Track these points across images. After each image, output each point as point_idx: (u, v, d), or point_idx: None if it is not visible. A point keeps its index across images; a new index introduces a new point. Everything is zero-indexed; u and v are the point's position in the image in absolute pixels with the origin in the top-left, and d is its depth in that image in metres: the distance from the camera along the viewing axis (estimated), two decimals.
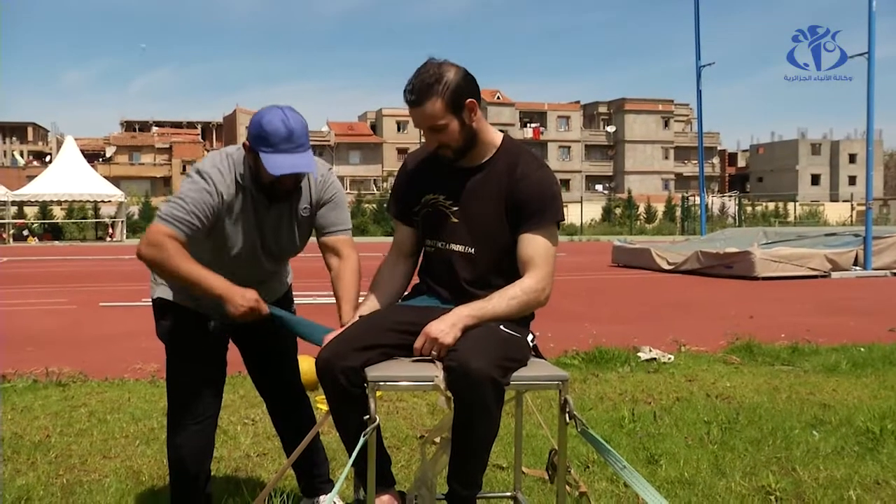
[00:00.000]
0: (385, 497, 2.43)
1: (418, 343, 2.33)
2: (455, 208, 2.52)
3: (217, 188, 2.58)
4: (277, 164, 2.48)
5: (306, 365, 3.75)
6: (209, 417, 2.85)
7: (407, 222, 2.67)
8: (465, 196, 2.51)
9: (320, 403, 4.15)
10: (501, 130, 2.64)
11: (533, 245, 2.45)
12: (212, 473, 3.39)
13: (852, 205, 58.06)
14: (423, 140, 2.57)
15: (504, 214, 2.48)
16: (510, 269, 2.49)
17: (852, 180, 75.65)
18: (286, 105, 2.55)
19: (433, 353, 2.30)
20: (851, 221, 50.62)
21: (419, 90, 2.37)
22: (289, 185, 2.63)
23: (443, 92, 2.36)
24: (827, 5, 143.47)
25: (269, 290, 2.86)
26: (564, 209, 2.58)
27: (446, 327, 2.30)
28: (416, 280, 2.71)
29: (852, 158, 77.64)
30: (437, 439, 2.56)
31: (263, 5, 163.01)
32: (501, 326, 2.35)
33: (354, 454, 2.22)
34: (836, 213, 57.56)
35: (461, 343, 2.25)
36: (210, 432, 2.88)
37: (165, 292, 2.82)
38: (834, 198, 71.52)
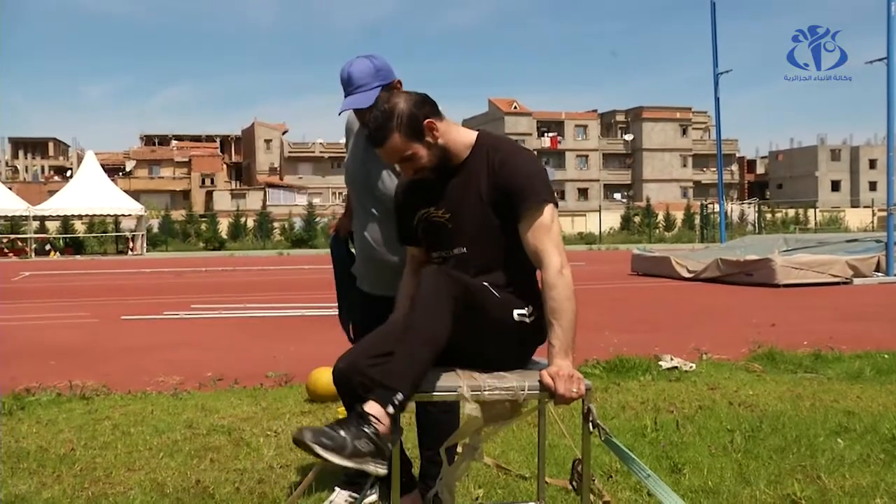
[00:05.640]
0: (406, 499, 2.53)
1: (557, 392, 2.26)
2: (447, 215, 2.53)
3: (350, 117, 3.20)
4: (342, 104, 2.96)
5: (326, 376, 3.76)
6: None
7: (414, 243, 2.71)
8: (452, 199, 2.53)
9: (341, 413, 4.16)
10: (474, 129, 2.64)
11: (536, 234, 2.41)
12: (240, 486, 3.42)
13: (873, 210, 57.61)
14: None
15: (492, 206, 2.47)
16: (505, 262, 2.47)
17: (873, 186, 75.07)
18: (370, 53, 2.96)
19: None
20: (873, 227, 50.18)
21: (375, 130, 2.44)
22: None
23: (398, 126, 2.40)
24: (846, 10, 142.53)
25: (378, 267, 3.10)
26: (555, 192, 2.52)
27: (572, 382, 2.24)
28: None
29: (872, 164, 77.06)
30: (459, 447, 2.56)
31: (282, 20, 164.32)
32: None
33: None
34: (856, 219, 57.17)
35: None
36: None
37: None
38: (854, 204, 71.02)
